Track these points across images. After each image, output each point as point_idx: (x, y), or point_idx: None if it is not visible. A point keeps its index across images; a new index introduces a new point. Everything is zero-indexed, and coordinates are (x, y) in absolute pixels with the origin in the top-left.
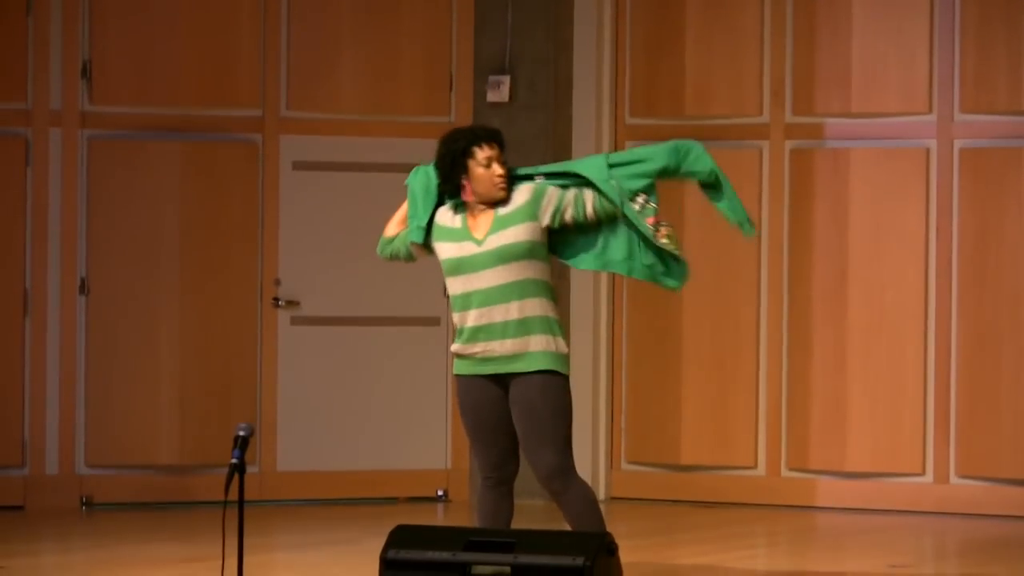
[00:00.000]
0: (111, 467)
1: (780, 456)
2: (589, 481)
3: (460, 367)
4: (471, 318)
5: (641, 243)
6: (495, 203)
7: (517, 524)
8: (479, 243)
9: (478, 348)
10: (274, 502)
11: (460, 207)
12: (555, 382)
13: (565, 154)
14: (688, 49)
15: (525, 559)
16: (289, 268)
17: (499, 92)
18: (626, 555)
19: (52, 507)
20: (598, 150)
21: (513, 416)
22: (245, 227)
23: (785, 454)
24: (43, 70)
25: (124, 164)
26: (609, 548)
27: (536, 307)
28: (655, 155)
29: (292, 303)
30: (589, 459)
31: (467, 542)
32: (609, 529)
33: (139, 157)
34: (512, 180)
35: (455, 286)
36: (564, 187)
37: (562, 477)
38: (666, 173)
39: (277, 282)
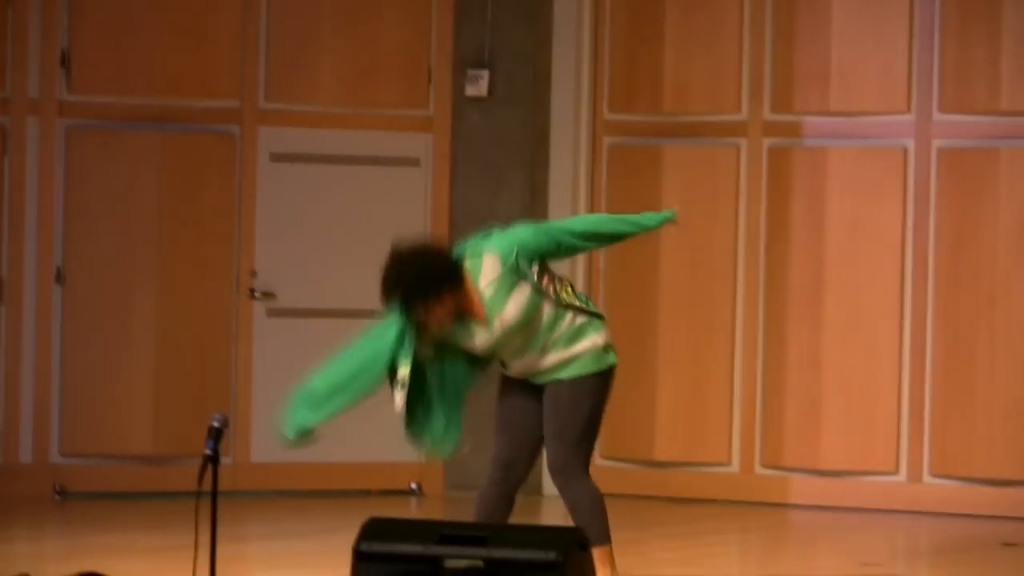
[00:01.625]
0: (85, 456)
1: (754, 453)
2: None
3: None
4: (506, 364)
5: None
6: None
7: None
8: (490, 331)
9: (515, 372)
10: (247, 493)
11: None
12: (583, 382)
13: (544, 148)
14: (667, 45)
15: (498, 553)
16: (266, 260)
17: (478, 86)
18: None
19: (25, 496)
20: (576, 145)
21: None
22: (222, 218)
23: (759, 451)
24: (21, 59)
25: (102, 154)
26: (582, 543)
27: (558, 334)
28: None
29: (268, 295)
30: None
31: (440, 535)
32: None
33: (117, 147)
34: (476, 254)
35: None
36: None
37: (563, 473)
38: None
39: (253, 273)
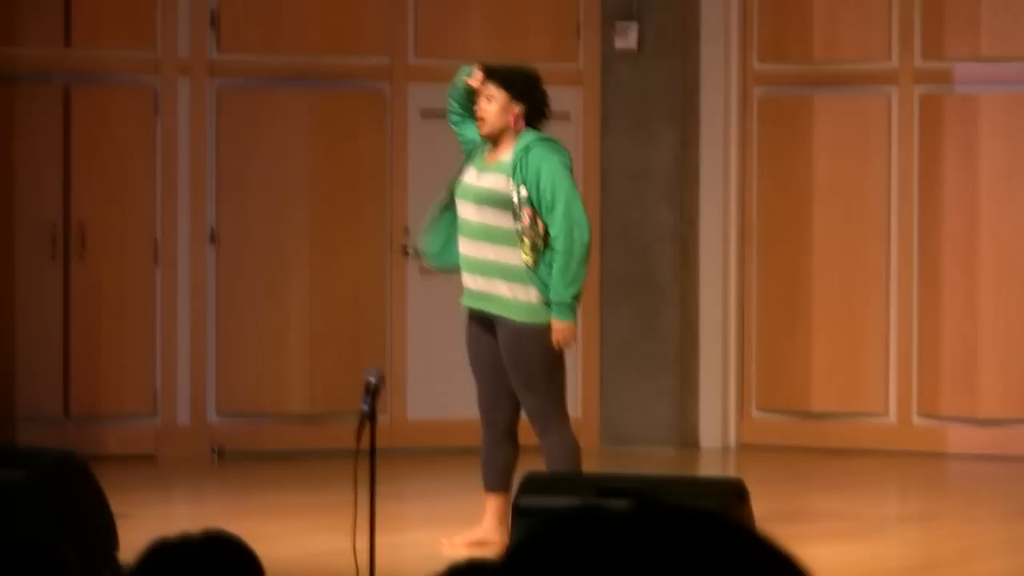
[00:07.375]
0: (242, 416)
1: (911, 403)
2: (719, 428)
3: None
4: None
5: None
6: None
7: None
8: (479, 175)
9: (463, 278)
10: (404, 450)
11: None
12: (528, 332)
13: (694, 100)
14: None
15: None
16: (418, 216)
17: (627, 39)
18: (757, 501)
19: (183, 456)
20: (727, 96)
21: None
22: (373, 175)
23: (916, 401)
24: (171, 19)
25: (252, 113)
26: (740, 494)
27: (512, 255)
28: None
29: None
30: (720, 406)
31: (598, 489)
32: (740, 475)
33: (267, 105)
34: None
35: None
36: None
37: (540, 421)
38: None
39: (406, 230)
